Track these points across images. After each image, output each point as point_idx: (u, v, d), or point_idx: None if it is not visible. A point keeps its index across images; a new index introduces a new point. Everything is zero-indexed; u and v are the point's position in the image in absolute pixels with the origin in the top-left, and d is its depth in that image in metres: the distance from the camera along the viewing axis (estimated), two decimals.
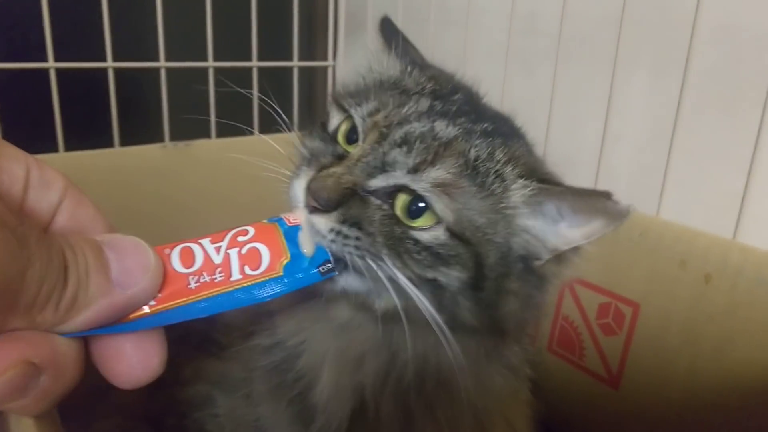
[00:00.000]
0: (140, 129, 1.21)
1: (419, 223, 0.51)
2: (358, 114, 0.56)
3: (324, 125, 0.61)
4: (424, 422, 0.59)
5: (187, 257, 0.40)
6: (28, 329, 0.33)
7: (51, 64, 1.04)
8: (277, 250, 0.43)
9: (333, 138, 0.59)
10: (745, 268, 0.69)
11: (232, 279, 0.40)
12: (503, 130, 0.59)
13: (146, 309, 0.38)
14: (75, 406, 0.65)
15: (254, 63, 1.24)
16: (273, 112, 0.62)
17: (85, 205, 0.41)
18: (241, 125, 0.72)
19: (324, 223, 0.49)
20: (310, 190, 0.50)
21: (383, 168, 0.51)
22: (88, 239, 0.36)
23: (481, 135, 0.55)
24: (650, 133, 1.00)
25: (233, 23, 1.22)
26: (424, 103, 0.57)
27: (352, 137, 0.57)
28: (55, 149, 1.06)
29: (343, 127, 0.58)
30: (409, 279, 0.49)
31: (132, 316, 0.37)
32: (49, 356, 0.34)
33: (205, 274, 0.40)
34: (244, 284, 0.40)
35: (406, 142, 0.52)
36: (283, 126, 0.61)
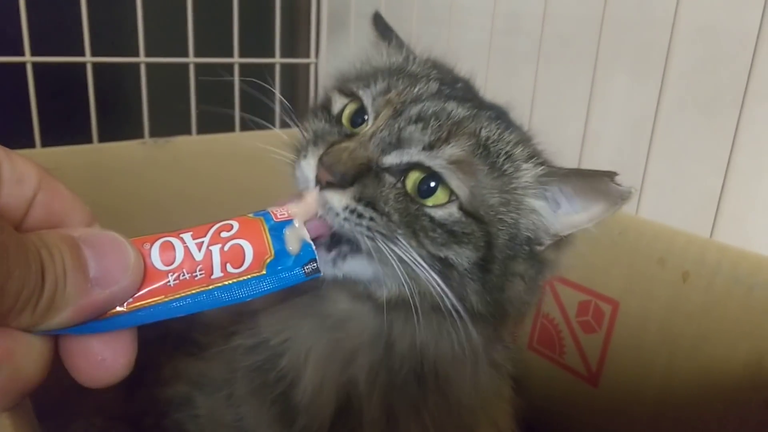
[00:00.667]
0: (119, 125, 1.19)
1: (432, 201, 0.51)
2: (367, 95, 0.56)
3: (327, 108, 0.60)
4: (408, 422, 0.59)
5: (167, 253, 0.38)
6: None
7: (28, 58, 1.02)
8: (260, 248, 0.41)
9: (338, 120, 0.58)
10: (721, 266, 0.70)
11: (213, 277, 0.39)
12: (505, 119, 0.60)
13: (122, 307, 0.36)
14: (53, 405, 0.64)
15: (236, 59, 1.23)
16: (271, 104, 0.61)
17: (61, 196, 0.38)
18: (227, 111, 0.71)
19: (338, 199, 0.48)
20: (323, 163, 0.49)
21: (398, 144, 0.51)
22: (65, 236, 0.35)
23: (489, 118, 0.56)
24: (630, 133, 1.01)
25: (215, 19, 1.21)
26: (433, 86, 0.57)
27: (357, 120, 0.57)
28: (31, 145, 1.04)
29: (348, 110, 0.58)
30: (423, 259, 0.49)
31: (107, 313, 0.36)
32: (4, 352, 0.32)
33: (185, 271, 0.38)
34: (226, 282, 0.39)
35: (421, 119, 0.52)
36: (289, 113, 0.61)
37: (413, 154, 0.51)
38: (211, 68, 1.22)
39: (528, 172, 0.54)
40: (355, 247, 0.50)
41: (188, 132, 1.20)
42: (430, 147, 0.51)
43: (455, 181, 0.51)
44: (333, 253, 0.51)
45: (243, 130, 1.14)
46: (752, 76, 0.75)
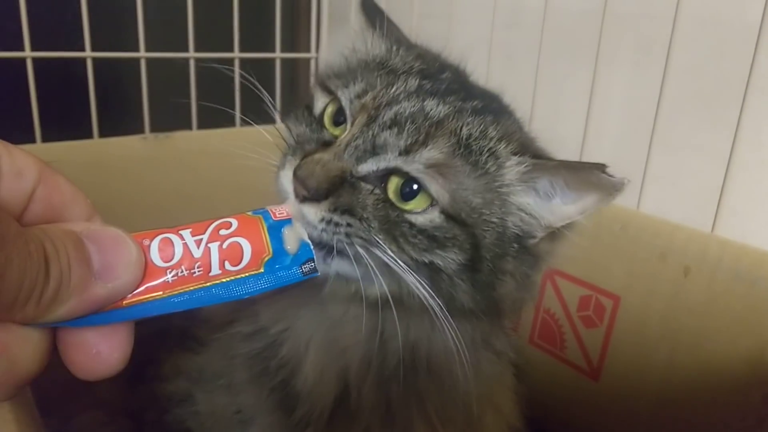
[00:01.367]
0: (120, 120, 1.20)
1: (413, 205, 0.50)
2: (345, 96, 0.55)
3: (309, 108, 0.60)
4: (409, 411, 0.59)
5: (167, 249, 0.39)
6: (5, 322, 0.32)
7: (28, 53, 1.02)
8: (259, 246, 0.41)
9: (319, 121, 0.58)
10: (723, 261, 0.70)
11: (211, 274, 0.39)
12: (493, 108, 0.58)
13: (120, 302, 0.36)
14: (56, 399, 0.64)
15: (236, 54, 1.23)
16: (267, 102, 0.61)
17: (62, 189, 0.38)
18: (227, 110, 0.70)
19: (314, 213, 0.48)
20: (297, 177, 0.49)
21: (373, 151, 0.50)
22: (67, 231, 0.35)
23: (472, 113, 0.54)
24: (631, 127, 1.00)
25: (215, 14, 1.21)
26: (413, 83, 0.55)
27: (338, 119, 0.56)
28: (32, 140, 1.04)
29: (330, 110, 0.57)
30: (406, 263, 0.49)
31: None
32: (0, 345, 0.32)
33: (183, 267, 0.38)
34: (223, 280, 0.39)
35: (396, 123, 0.51)
36: (271, 108, 0.60)
37: (390, 160, 0.50)
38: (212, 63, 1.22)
39: (513, 169, 0.53)
40: (339, 252, 0.50)
41: (189, 127, 1.20)
42: (406, 152, 0.50)
43: (435, 186, 0.50)
44: (322, 253, 0.51)
45: (244, 125, 1.14)
46: (754, 70, 0.75)
